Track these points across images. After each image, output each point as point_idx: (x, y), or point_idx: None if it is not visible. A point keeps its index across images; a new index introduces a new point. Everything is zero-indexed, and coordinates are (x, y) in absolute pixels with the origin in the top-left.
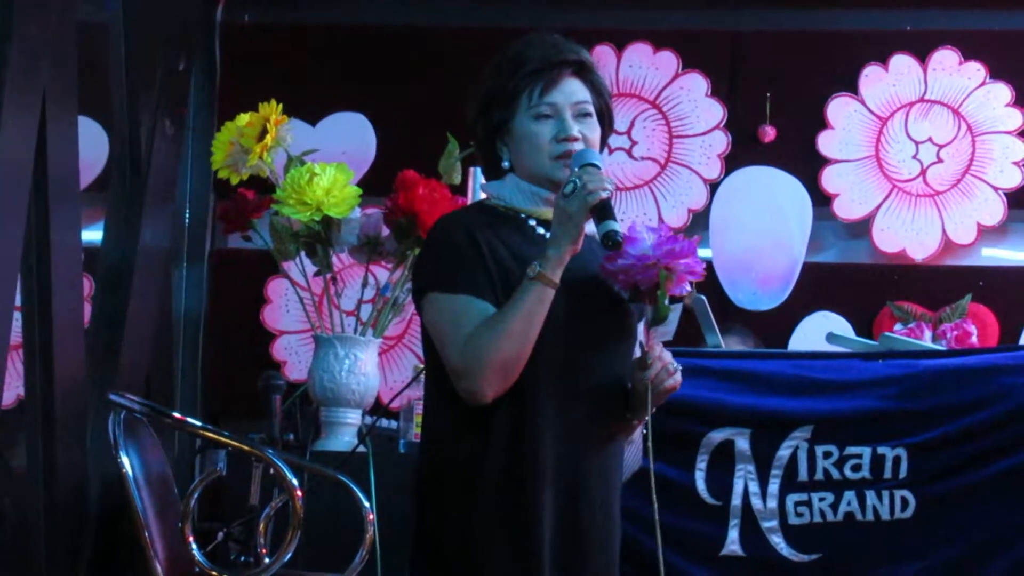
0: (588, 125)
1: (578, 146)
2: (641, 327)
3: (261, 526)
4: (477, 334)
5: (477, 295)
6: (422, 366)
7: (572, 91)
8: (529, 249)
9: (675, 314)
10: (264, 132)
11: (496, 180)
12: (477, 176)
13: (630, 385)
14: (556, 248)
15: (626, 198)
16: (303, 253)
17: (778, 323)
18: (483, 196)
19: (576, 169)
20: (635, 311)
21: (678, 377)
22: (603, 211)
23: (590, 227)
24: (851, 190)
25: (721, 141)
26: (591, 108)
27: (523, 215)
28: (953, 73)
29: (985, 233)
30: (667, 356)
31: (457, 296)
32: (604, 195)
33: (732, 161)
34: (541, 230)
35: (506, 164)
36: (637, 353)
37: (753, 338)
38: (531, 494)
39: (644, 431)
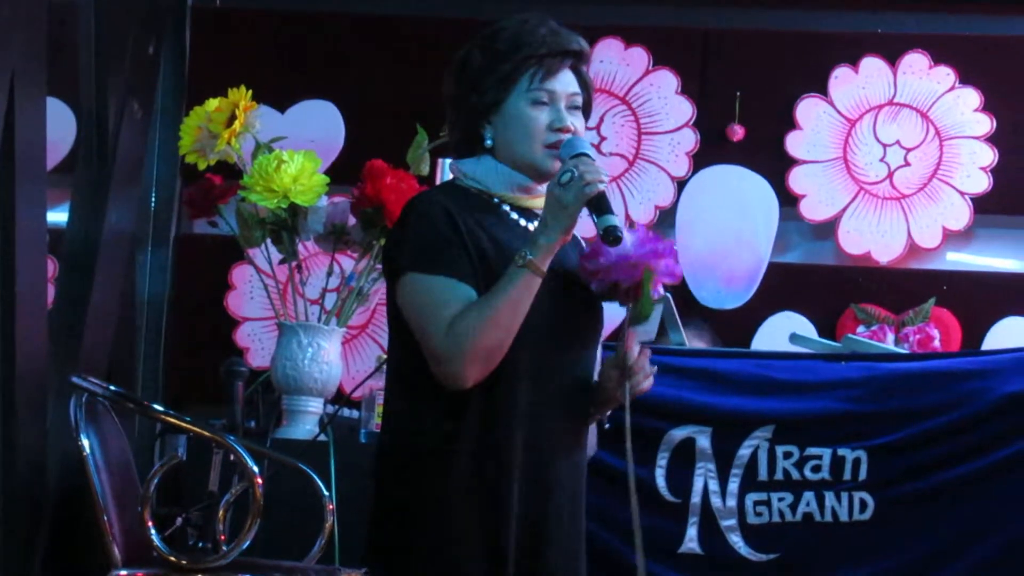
0: (578, 118)
1: (568, 137)
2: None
3: (220, 512)
4: (462, 319)
5: (459, 278)
6: (385, 356)
7: (568, 81)
8: (506, 235)
9: (656, 313)
10: (233, 118)
11: (469, 158)
12: (445, 167)
13: (596, 379)
14: (547, 237)
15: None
16: (269, 240)
17: (742, 322)
18: (451, 175)
19: (569, 158)
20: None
21: (652, 380)
22: (600, 204)
23: None
24: (818, 191)
25: (690, 139)
26: (580, 101)
27: (496, 199)
28: (923, 77)
29: (950, 237)
30: (645, 359)
31: (437, 278)
32: (601, 187)
33: (700, 159)
34: (515, 215)
35: (488, 143)
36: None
37: (710, 333)
38: (500, 481)
39: (607, 426)
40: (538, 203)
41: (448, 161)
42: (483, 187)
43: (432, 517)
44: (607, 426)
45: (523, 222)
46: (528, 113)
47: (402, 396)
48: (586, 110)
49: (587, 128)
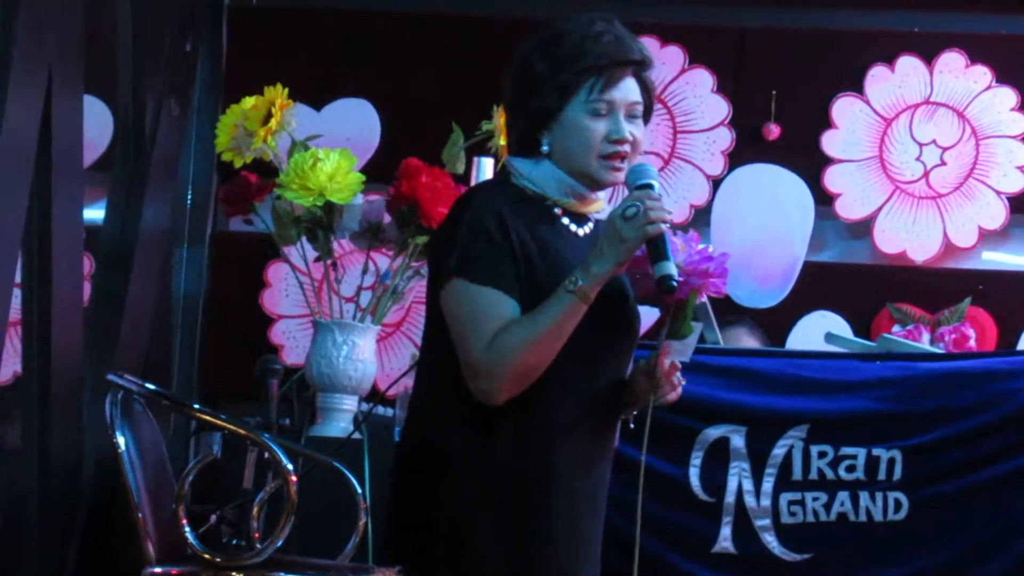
0: (637, 126)
1: (627, 149)
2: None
3: (255, 510)
4: (504, 336)
5: (504, 291)
6: (419, 354)
7: (629, 90)
8: (557, 241)
9: (695, 335)
10: (269, 116)
11: (526, 158)
12: (481, 165)
13: (625, 381)
14: (601, 267)
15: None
16: (304, 238)
17: (777, 321)
18: (508, 171)
19: (634, 188)
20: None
21: (679, 392)
22: (658, 247)
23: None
24: (854, 190)
25: (725, 137)
26: (642, 109)
27: (549, 202)
28: (959, 76)
29: (986, 237)
30: (675, 372)
31: (485, 288)
32: (664, 227)
33: (736, 158)
34: (566, 220)
35: (545, 149)
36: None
37: (760, 331)
38: (534, 499)
39: (631, 425)
40: (592, 208)
41: (482, 158)
42: (538, 190)
43: (454, 529)
44: (631, 425)
45: (574, 227)
46: (586, 124)
47: (432, 399)
48: (647, 114)
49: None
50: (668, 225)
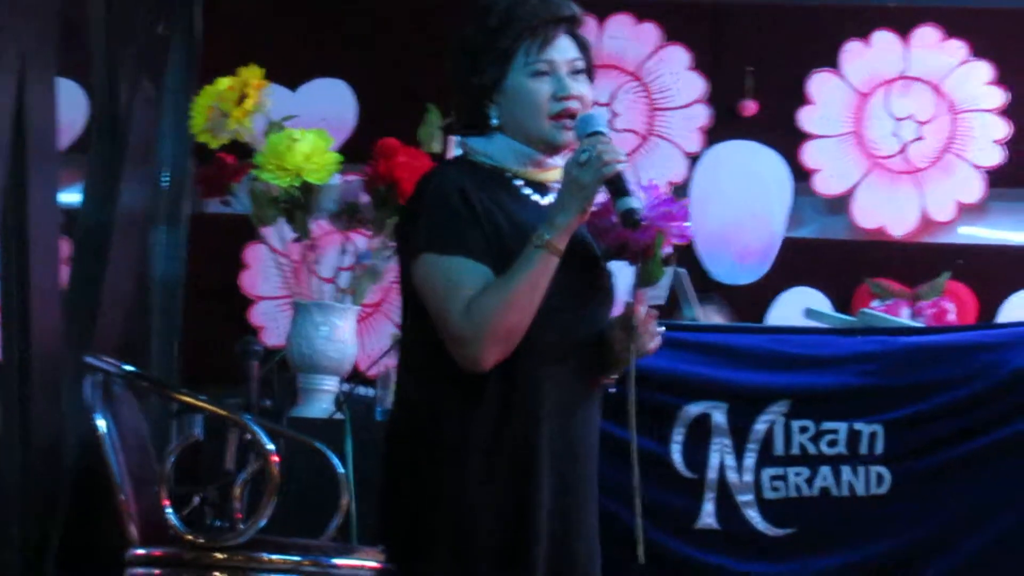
0: (582, 83)
1: (575, 105)
2: (627, 288)
3: (237, 491)
4: (481, 300)
5: (475, 258)
6: (399, 334)
7: (566, 48)
8: (521, 210)
9: (667, 277)
10: (244, 97)
11: (478, 136)
12: (457, 144)
13: (602, 342)
14: (565, 216)
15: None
16: (282, 219)
17: (756, 298)
18: (460, 151)
19: (584, 137)
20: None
21: (659, 340)
22: (618, 185)
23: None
24: (831, 166)
25: (702, 114)
26: (583, 65)
27: (508, 174)
28: (935, 50)
29: (964, 211)
30: (652, 321)
31: (454, 258)
32: (619, 167)
33: (713, 135)
34: (528, 191)
35: (495, 122)
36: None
37: (727, 309)
38: (530, 466)
39: (612, 390)
40: (551, 176)
41: (457, 139)
42: (495, 163)
43: (450, 503)
44: (612, 390)
45: (536, 196)
46: (530, 87)
47: (417, 377)
48: (589, 72)
49: (599, 104)
50: (623, 165)
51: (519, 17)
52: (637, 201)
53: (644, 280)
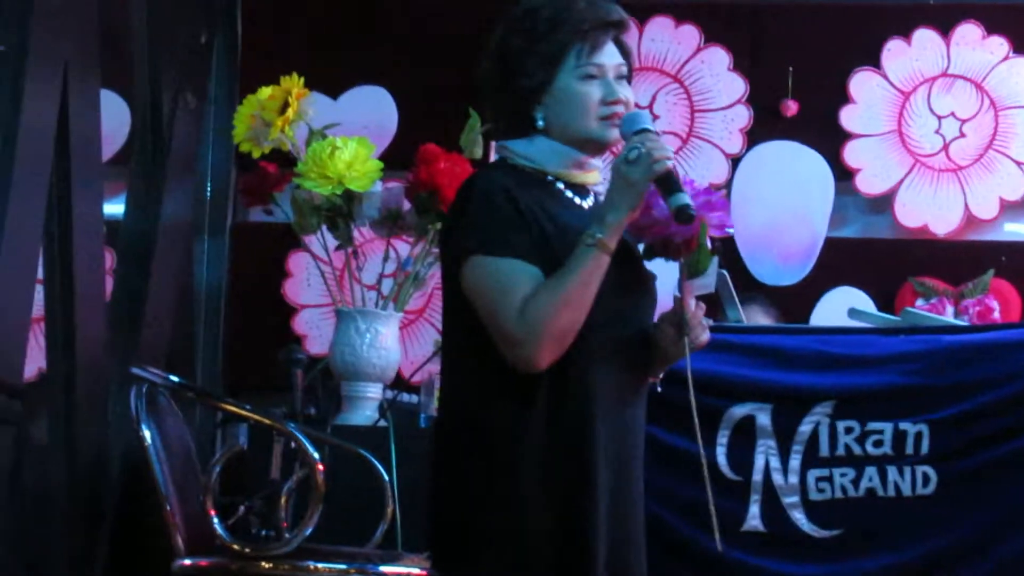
0: (626, 88)
1: (622, 109)
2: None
3: (282, 500)
4: (535, 301)
5: (525, 259)
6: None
7: (613, 53)
8: (562, 213)
9: (714, 265)
10: (286, 105)
11: (519, 139)
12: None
13: (649, 340)
14: (615, 215)
15: None
16: (324, 227)
17: (800, 298)
18: (499, 155)
19: (632, 134)
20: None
21: (708, 333)
22: (669, 182)
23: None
24: (873, 165)
25: (743, 115)
26: (626, 71)
27: (550, 177)
28: (976, 47)
29: (1007, 208)
30: (701, 312)
31: (504, 260)
32: (669, 164)
33: (754, 135)
34: (569, 193)
35: (540, 124)
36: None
37: (775, 312)
38: (584, 468)
39: (659, 389)
40: (590, 178)
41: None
42: (537, 166)
43: (505, 507)
44: (659, 389)
45: (577, 199)
46: (580, 89)
47: (466, 381)
48: (630, 78)
49: (639, 107)
50: (671, 162)
51: (568, 20)
52: (688, 197)
53: (692, 271)
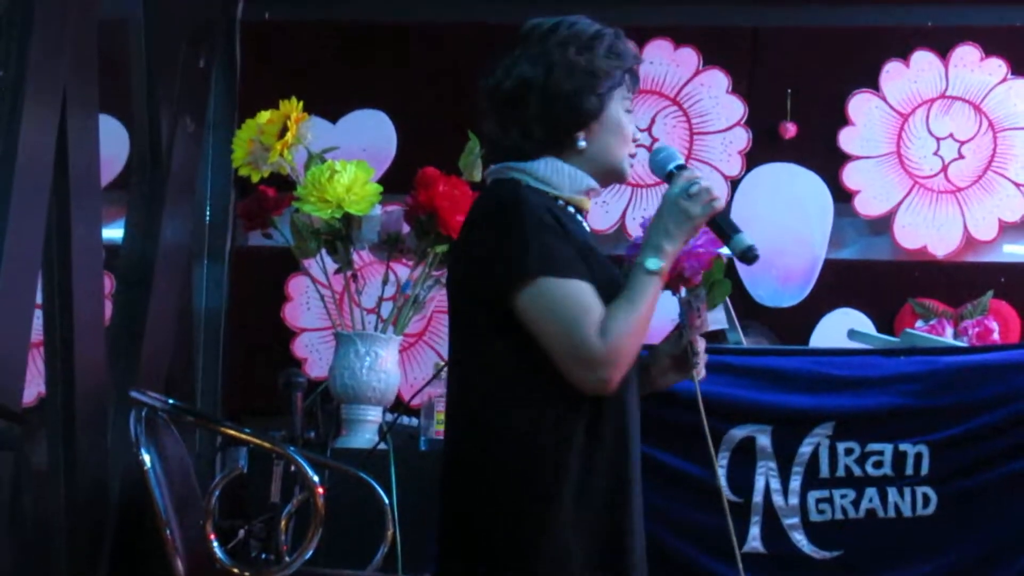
0: None
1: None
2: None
3: (282, 523)
4: (613, 324)
5: (588, 280)
6: (443, 363)
7: None
8: (580, 234)
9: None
10: (284, 129)
11: (531, 161)
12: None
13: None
14: (672, 245)
15: (647, 195)
16: (324, 250)
17: (799, 320)
18: (506, 176)
19: (676, 170)
20: None
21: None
22: (726, 221)
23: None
24: (872, 186)
25: (742, 138)
26: None
27: (560, 201)
28: (974, 69)
29: (1006, 229)
30: (703, 345)
31: (573, 281)
32: (723, 203)
33: (753, 158)
34: (579, 217)
35: (582, 144)
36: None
37: (771, 337)
38: (621, 489)
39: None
40: (587, 205)
41: (509, 164)
42: (551, 189)
43: (545, 528)
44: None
45: (585, 225)
46: (624, 121)
47: (503, 404)
48: None
49: (638, 130)
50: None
51: (623, 53)
52: (750, 237)
53: (711, 303)
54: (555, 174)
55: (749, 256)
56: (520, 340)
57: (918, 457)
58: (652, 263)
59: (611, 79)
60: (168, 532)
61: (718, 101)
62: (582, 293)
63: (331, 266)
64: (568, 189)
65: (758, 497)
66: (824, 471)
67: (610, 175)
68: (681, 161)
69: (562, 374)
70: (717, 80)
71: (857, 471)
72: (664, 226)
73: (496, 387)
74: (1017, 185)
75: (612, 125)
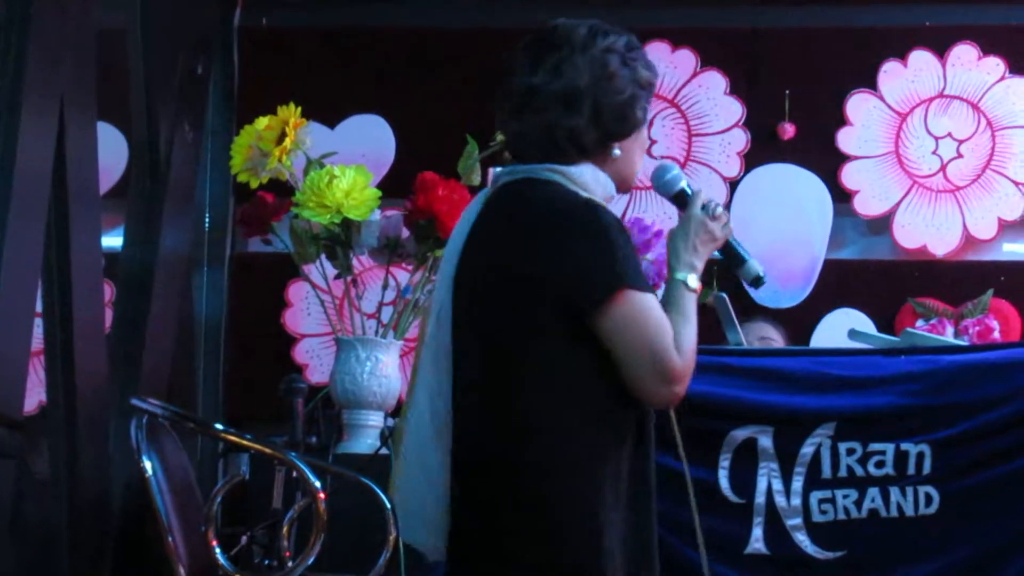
0: None
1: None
2: None
3: (285, 529)
4: (683, 339)
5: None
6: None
7: None
8: None
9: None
10: (283, 135)
11: (568, 164)
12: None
13: None
14: (700, 262)
15: (646, 197)
16: (323, 256)
17: (800, 320)
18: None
19: (688, 188)
20: None
21: None
22: (737, 246)
23: None
24: (871, 186)
25: (740, 139)
26: None
27: None
28: (972, 68)
29: (1006, 228)
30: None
31: (649, 295)
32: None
33: (751, 159)
34: None
35: (617, 153)
36: None
37: (777, 327)
38: (645, 494)
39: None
40: None
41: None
42: (586, 194)
43: (582, 531)
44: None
45: None
46: (646, 136)
47: (551, 407)
48: None
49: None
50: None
51: (652, 65)
52: (759, 265)
53: None
54: (594, 181)
55: (759, 282)
56: (580, 345)
57: (920, 456)
58: (693, 281)
59: (651, 91)
60: (170, 539)
61: (716, 102)
62: (657, 306)
63: (331, 271)
64: (600, 196)
65: (760, 498)
66: (826, 471)
67: (625, 184)
68: (688, 180)
69: (630, 385)
70: (715, 81)
71: (859, 471)
72: (693, 245)
73: (544, 389)
74: (1016, 184)
75: (640, 138)
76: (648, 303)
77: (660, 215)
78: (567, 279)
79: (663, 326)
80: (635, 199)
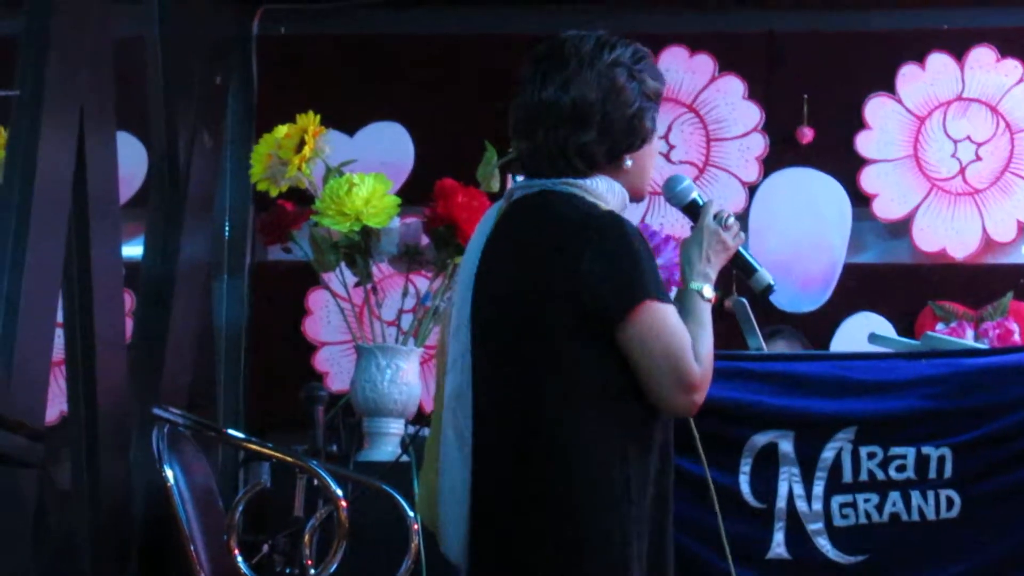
0: None
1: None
2: None
3: (306, 537)
4: (701, 348)
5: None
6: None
7: None
8: None
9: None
10: (302, 143)
11: (585, 177)
12: (516, 183)
13: None
14: (713, 271)
15: (664, 202)
16: (343, 264)
17: (820, 325)
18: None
19: (698, 198)
20: None
21: None
22: (747, 257)
23: None
24: (890, 190)
25: (759, 143)
26: None
27: None
28: (990, 70)
29: None
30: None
31: (670, 306)
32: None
33: (770, 163)
34: None
35: (628, 164)
36: None
37: (803, 339)
38: (665, 499)
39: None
40: None
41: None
42: (603, 205)
43: (609, 539)
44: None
45: None
46: (656, 144)
47: (580, 414)
48: None
49: (657, 137)
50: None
51: (660, 75)
52: (770, 274)
53: None
54: (609, 192)
55: (769, 291)
56: (605, 356)
57: (941, 460)
58: (708, 291)
59: (659, 101)
60: (192, 548)
61: (734, 107)
62: (678, 318)
63: (351, 279)
64: (616, 206)
65: (781, 503)
66: (847, 476)
67: (638, 193)
68: (696, 191)
69: (650, 394)
70: (733, 86)
71: (880, 475)
72: (706, 255)
73: (568, 401)
74: None
75: (650, 150)
76: (669, 314)
77: (678, 221)
78: (591, 290)
79: (684, 336)
80: (653, 205)
